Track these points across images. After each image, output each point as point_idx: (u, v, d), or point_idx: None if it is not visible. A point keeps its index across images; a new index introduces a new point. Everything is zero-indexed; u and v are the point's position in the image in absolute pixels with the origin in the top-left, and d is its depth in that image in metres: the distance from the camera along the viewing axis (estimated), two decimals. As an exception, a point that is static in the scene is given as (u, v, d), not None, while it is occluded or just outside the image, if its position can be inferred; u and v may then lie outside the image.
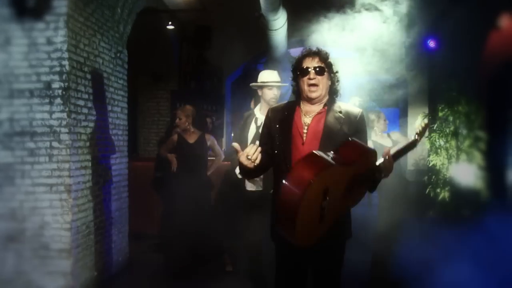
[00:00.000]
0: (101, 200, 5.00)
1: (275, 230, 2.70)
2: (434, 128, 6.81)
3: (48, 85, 4.31)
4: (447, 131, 6.66)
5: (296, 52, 2.99)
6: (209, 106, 9.10)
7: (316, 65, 2.70)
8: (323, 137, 2.63)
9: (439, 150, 6.71)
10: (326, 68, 2.73)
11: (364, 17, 7.33)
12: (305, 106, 2.76)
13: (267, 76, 4.31)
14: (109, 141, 5.27)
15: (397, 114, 10.29)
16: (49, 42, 4.28)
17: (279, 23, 6.07)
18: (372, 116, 5.06)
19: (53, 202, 4.33)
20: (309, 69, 2.69)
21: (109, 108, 5.29)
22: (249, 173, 2.62)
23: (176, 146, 5.32)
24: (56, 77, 4.31)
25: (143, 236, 6.63)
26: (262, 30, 6.49)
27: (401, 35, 7.30)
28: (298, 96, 2.82)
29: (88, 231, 4.68)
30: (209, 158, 5.62)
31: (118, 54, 5.56)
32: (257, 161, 2.46)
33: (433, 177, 6.80)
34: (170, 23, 7.23)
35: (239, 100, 9.19)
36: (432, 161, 6.81)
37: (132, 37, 5.98)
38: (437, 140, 6.70)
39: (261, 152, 2.48)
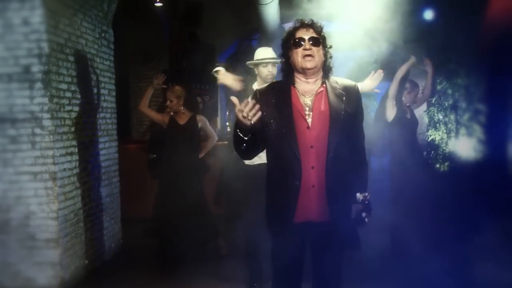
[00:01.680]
0: (89, 187, 4.84)
1: (270, 217, 2.59)
2: (433, 102, 6.62)
3: (27, 69, 4.10)
4: (446, 104, 6.46)
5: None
6: (202, 85, 8.87)
7: (311, 36, 2.52)
8: (332, 119, 2.46)
9: (437, 125, 6.53)
10: (322, 40, 2.55)
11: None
12: (301, 85, 2.56)
13: (262, 53, 4.14)
14: (97, 125, 5.09)
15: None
16: (26, 22, 4.06)
17: (269, -4, 5.83)
18: (407, 85, 4.98)
19: (38, 191, 4.17)
20: (304, 40, 2.50)
21: (95, 91, 5.09)
22: (244, 143, 2.42)
23: (167, 128, 5.12)
24: (35, 60, 4.10)
25: (136, 221, 6.47)
26: (254, 4, 6.24)
27: (396, 5, 7.08)
28: (290, 72, 2.61)
29: (76, 219, 4.53)
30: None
31: (103, 34, 5.35)
32: (255, 119, 2.28)
33: (432, 152, 6.64)
34: (158, 0, 6.98)
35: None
36: (431, 135, 6.64)
37: (119, 16, 5.75)
38: (436, 114, 6.51)
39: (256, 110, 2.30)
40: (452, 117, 6.43)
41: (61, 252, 4.20)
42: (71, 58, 4.53)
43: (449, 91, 6.43)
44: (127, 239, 5.79)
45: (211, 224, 5.21)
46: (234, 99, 2.36)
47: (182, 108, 5.14)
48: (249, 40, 9.43)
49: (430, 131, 6.69)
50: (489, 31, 5.91)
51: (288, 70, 2.62)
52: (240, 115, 2.27)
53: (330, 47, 2.62)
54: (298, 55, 2.51)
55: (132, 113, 9.00)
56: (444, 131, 6.43)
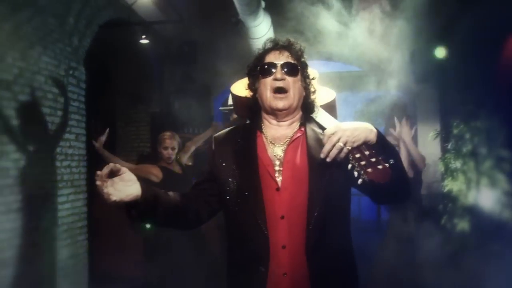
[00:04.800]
0: (41, 249, 4.08)
1: None
2: (449, 147, 5.86)
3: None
4: (464, 150, 5.69)
5: None
6: (195, 129, 8.19)
7: (286, 61, 1.80)
8: (312, 178, 1.72)
9: (455, 174, 5.73)
10: (300, 68, 1.83)
11: (364, 25, 6.51)
12: (270, 130, 1.85)
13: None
14: (56, 175, 4.37)
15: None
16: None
17: (261, 29, 5.19)
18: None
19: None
20: (275, 66, 1.79)
21: (56, 135, 4.40)
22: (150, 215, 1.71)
23: (163, 181, 4.27)
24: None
25: (124, 280, 5.63)
26: (245, 40, 5.62)
27: (406, 43, 6.48)
28: (256, 113, 1.91)
29: (20, 289, 3.76)
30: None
31: (71, 72, 4.71)
32: (112, 197, 1.57)
33: (449, 204, 5.82)
34: (143, 36, 6.40)
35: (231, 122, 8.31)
36: (447, 186, 5.83)
37: (104, 54, 5.16)
38: (453, 162, 5.73)
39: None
40: (472, 164, 5.65)
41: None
42: (22, 97, 3.86)
43: (467, 135, 5.68)
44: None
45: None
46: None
47: (177, 156, 4.42)
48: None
49: (446, 181, 5.90)
50: (508, 68, 5.27)
51: (255, 108, 1.90)
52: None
53: (313, 78, 1.90)
54: (266, 87, 1.80)
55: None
56: (463, 181, 5.63)
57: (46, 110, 4.26)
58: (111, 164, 1.57)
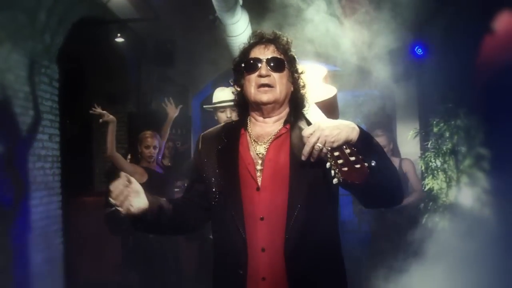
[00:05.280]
0: (14, 254, 3.92)
1: None
2: (428, 146, 5.85)
3: None
4: (444, 149, 5.68)
5: None
6: (173, 129, 8.04)
7: (271, 56, 1.72)
8: (293, 175, 1.63)
9: (435, 172, 5.72)
10: (287, 62, 1.75)
11: (343, 24, 6.47)
12: (255, 127, 1.78)
13: (218, 95, 3.35)
14: (29, 177, 4.21)
15: (383, 132, 9.36)
16: None
17: (239, 27, 5.08)
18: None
19: None
20: (260, 62, 1.71)
21: (28, 136, 4.24)
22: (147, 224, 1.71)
23: (148, 181, 4.09)
24: None
25: (102, 285, 5.47)
26: (223, 38, 5.50)
27: (385, 42, 6.46)
28: (243, 109, 1.84)
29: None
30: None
31: (43, 70, 4.55)
32: (126, 209, 1.58)
33: (430, 203, 5.80)
34: (119, 35, 6.24)
35: (210, 122, 8.18)
36: (428, 184, 5.81)
37: (78, 52, 5.00)
38: (433, 161, 5.71)
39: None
40: (452, 163, 5.65)
41: None
42: (-10, 96, 3.70)
43: (447, 134, 5.67)
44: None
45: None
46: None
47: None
48: (226, 79, 8.70)
49: (426, 180, 5.88)
50: (487, 66, 5.27)
51: (243, 105, 1.83)
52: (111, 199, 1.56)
53: (302, 72, 1.82)
54: (250, 84, 1.73)
55: (95, 160, 8.10)
56: (443, 179, 5.62)
57: (17, 110, 4.10)
58: (125, 175, 1.57)
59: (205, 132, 1.90)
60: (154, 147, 4.21)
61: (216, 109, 3.34)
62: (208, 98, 9.00)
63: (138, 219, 1.62)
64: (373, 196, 1.59)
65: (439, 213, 5.75)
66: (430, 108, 6.50)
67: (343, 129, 1.53)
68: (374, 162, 1.45)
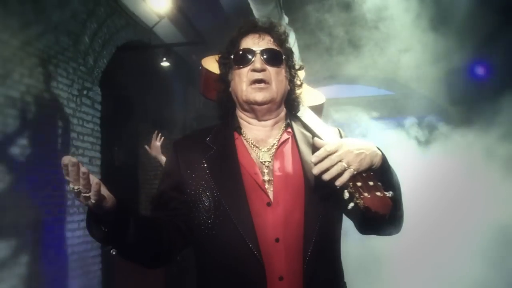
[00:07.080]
0: (46, 280, 3.78)
1: None
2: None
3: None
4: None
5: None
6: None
7: (266, 47, 1.44)
8: (308, 189, 1.36)
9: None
10: (285, 55, 1.47)
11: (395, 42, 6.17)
12: (251, 131, 1.48)
13: None
14: (66, 200, 4.11)
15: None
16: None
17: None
18: None
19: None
20: (253, 54, 1.43)
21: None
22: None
23: None
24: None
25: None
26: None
27: (442, 62, 6.13)
28: (230, 109, 1.53)
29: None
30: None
31: (85, 92, 4.50)
32: (94, 197, 1.18)
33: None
34: (164, 59, 6.20)
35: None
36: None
37: (124, 76, 4.97)
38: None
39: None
40: None
41: None
42: (28, 115, 3.64)
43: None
44: None
45: None
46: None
47: None
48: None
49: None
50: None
51: (228, 104, 1.53)
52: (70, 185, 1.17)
53: (301, 68, 1.55)
54: (241, 80, 1.44)
55: (140, 187, 8.03)
56: None
57: (56, 131, 4.03)
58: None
59: (178, 139, 1.57)
60: None
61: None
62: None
63: (100, 218, 1.24)
64: (384, 226, 1.34)
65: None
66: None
67: (368, 154, 1.28)
68: (391, 193, 1.23)
